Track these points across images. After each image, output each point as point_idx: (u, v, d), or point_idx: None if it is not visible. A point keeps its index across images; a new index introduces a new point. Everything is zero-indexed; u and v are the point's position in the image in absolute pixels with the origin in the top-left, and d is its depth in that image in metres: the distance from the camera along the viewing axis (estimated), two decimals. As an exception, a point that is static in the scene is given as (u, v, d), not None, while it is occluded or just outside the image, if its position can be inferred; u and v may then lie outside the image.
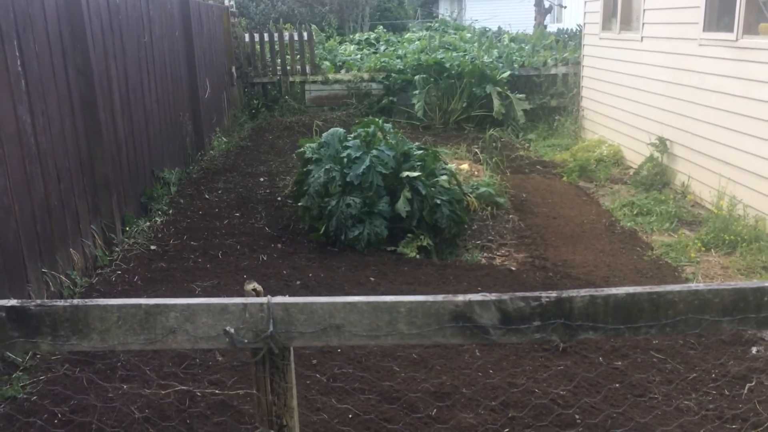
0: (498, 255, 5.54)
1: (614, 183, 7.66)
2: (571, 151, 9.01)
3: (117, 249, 5.07)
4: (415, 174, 5.31)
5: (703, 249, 5.32)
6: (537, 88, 11.30)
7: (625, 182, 7.56)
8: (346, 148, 5.48)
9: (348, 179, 5.25)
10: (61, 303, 1.71)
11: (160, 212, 6.03)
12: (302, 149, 5.78)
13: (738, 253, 5.18)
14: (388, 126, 5.89)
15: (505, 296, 1.80)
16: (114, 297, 4.29)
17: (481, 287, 4.67)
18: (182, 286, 4.46)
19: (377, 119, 6.00)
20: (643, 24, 7.81)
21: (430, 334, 1.80)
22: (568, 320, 1.79)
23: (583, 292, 1.79)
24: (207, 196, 6.74)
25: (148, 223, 5.69)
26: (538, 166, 8.55)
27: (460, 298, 1.80)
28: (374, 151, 5.35)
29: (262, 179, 7.57)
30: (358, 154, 5.32)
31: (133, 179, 5.77)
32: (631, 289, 1.80)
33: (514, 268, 5.14)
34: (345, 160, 5.36)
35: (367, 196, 5.22)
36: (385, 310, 1.79)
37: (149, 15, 6.41)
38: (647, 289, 1.80)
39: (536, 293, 1.81)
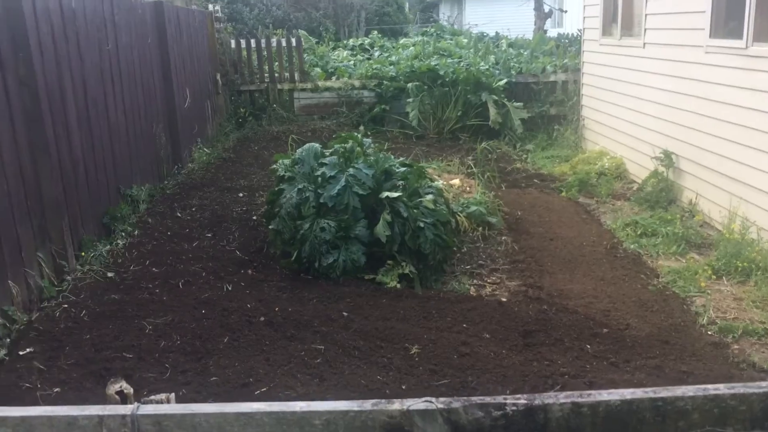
0: (489, 282, 5.07)
1: (617, 199, 7.18)
2: (571, 163, 8.55)
3: (68, 278, 4.61)
4: (396, 194, 4.85)
5: (714, 277, 4.84)
6: (536, 95, 10.84)
7: (629, 198, 7.09)
8: (322, 165, 5.02)
9: (322, 201, 4.79)
10: None
11: (123, 234, 5.57)
12: (275, 166, 5.33)
13: (752, 282, 4.71)
14: (367, 141, 5.44)
15: (457, 403, 1.33)
16: (55, 336, 3.83)
17: (466, 323, 4.21)
18: (132, 323, 4.00)
19: (356, 134, 5.54)
20: (645, 29, 7.35)
21: (357, 453, 1.34)
22: (542, 435, 1.33)
23: (563, 397, 1.33)
24: (179, 215, 6.29)
25: (108, 247, 5.23)
26: (536, 180, 8.08)
27: (396, 406, 1.33)
28: (351, 170, 4.89)
29: (240, 195, 7.11)
30: (333, 173, 4.87)
31: (93, 198, 5.31)
32: (628, 394, 1.33)
33: (504, 300, 4.67)
34: (320, 179, 4.91)
35: (342, 219, 4.76)
36: (293, 424, 1.33)
37: (114, 21, 5.97)
38: (650, 393, 1.33)
39: (500, 399, 1.34)
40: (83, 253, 4.94)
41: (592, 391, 1.35)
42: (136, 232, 5.68)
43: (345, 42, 16.64)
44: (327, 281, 4.73)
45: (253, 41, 11.27)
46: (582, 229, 6.20)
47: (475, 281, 5.07)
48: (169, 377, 3.45)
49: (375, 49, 14.81)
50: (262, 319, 4.13)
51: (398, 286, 4.74)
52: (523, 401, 1.33)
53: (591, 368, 3.73)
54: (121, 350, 3.67)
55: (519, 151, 9.76)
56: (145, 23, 6.95)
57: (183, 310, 4.19)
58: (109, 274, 4.78)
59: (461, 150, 9.36)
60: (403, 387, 3.46)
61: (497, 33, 16.50)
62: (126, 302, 4.30)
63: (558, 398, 1.33)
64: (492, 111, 10.03)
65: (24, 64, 4.28)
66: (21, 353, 3.59)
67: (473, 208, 5.92)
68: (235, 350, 3.74)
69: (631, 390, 1.34)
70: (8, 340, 3.73)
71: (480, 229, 5.88)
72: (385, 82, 10.91)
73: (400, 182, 5.13)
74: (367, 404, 1.34)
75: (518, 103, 10.31)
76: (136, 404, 1.34)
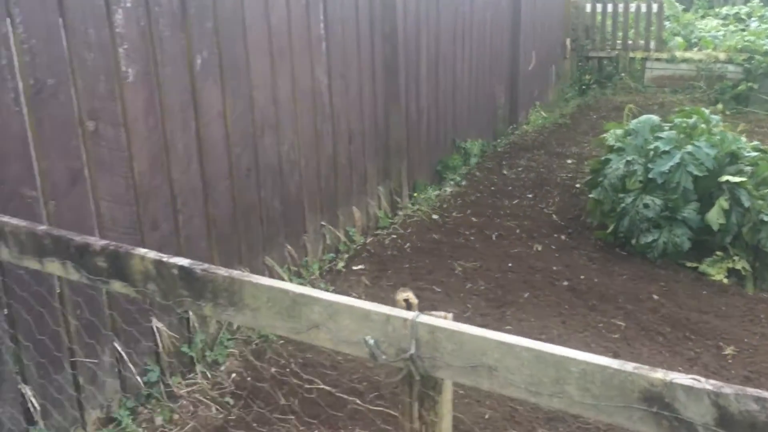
0: None
1: None
2: None
3: (400, 213, 5.20)
4: (739, 180, 4.32)
5: None
6: None
7: None
8: (657, 139, 4.71)
9: (650, 176, 4.51)
10: (221, 272, 1.67)
11: (452, 182, 6.02)
12: (605, 135, 5.17)
13: None
14: (715, 118, 4.90)
15: (728, 389, 1.22)
16: (382, 260, 4.40)
17: (800, 337, 3.63)
18: (445, 263, 4.37)
19: (702, 109, 5.02)
20: None
21: (611, 410, 1.33)
22: (835, 451, 1.15)
23: None
24: (505, 172, 6.53)
25: (437, 192, 5.73)
26: None
27: (659, 375, 1.28)
28: (689, 147, 4.49)
29: (569, 161, 7.06)
30: (667, 148, 4.53)
31: (430, 146, 5.84)
32: None
33: None
34: (651, 153, 4.62)
35: (670, 199, 4.43)
36: (551, 364, 1.37)
37: (474, -17, 6.34)
38: None
39: (785, 396, 1.19)
40: (415, 194, 5.50)
41: None
42: (463, 183, 6.08)
43: (717, 10, 14.91)
44: (642, 260, 4.49)
45: (609, 6, 10.83)
46: None
47: (827, 293, 4.30)
48: (468, 317, 3.71)
49: (752, 19, 12.99)
50: (566, 283, 4.13)
51: (725, 280, 4.27)
52: (815, 408, 1.16)
53: None
54: (432, 284, 4.05)
55: None
56: (502, -14, 7.22)
57: (491, 260, 4.42)
58: (434, 216, 5.24)
59: None
60: (704, 385, 3.16)
61: None
62: (443, 243, 4.70)
63: None
64: None
65: (389, 21, 4.84)
66: (354, 268, 4.21)
67: (843, 209, 4.95)
68: (533, 306, 3.84)
69: None
70: (346, 255, 4.40)
71: None
72: (757, 57, 9.55)
73: (748, 168, 4.54)
74: (628, 366, 1.31)
75: None
76: (416, 312, 1.53)
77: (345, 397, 2.56)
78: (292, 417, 2.62)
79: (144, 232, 2.84)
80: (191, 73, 3.11)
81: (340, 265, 4.23)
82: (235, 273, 1.68)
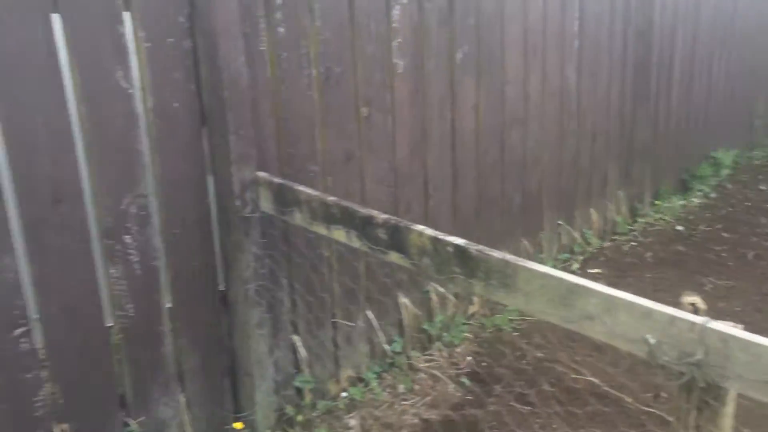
0: None
1: None
2: None
3: (640, 220, 4.93)
4: None
5: None
6: None
7: None
8: None
9: None
10: (495, 254, 1.73)
11: (700, 193, 5.56)
12: None
13: None
14: None
15: None
16: (619, 267, 4.22)
17: None
18: (690, 277, 4.06)
19: None
20: None
21: None
22: None
23: None
24: (762, 188, 5.88)
25: (682, 202, 5.33)
26: None
27: None
28: None
29: None
30: None
31: (677, 153, 5.45)
32: None
33: None
34: None
35: None
36: None
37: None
38: None
39: None
40: (657, 202, 5.17)
41: None
42: (713, 195, 5.59)
43: None
44: None
45: None
46: None
47: None
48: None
49: None
50: (838, 315, 3.62)
51: None
52: None
53: None
54: (677, 297, 3.77)
55: None
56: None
57: (748, 281, 4.02)
58: (678, 227, 4.89)
59: None
60: None
61: None
62: (689, 256, 4.37)
63: None
64: None
65: (644, 17, 4.59)
66: (590, 271, 4.10)
67: None
68: (797, 336, 3.42)
69: None
70: (581, 257, 4.28)
71: None
72: None
73: None
74: None
75: None
76: (706, 318, 1.45)
77: (613, 392, 2.50)
78: (528, 407, 2.63)
79: (399, 213, 3.02)
80: (451, 66, 3.24)
81: (575, 266, 4.14)
82: (510, 256, 1.73)
